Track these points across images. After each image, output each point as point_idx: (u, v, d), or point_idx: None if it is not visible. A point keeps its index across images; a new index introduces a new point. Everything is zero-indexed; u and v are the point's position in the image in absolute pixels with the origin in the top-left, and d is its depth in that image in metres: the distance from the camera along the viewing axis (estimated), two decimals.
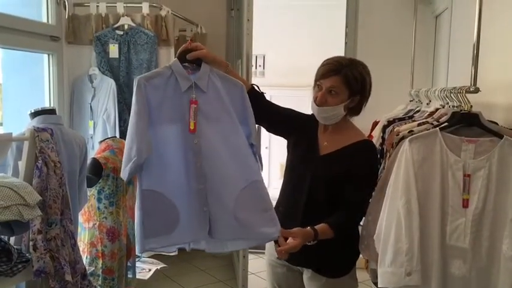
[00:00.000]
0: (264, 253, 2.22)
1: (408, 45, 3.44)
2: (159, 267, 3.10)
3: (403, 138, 1.91)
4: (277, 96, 4.44)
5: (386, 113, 2.88)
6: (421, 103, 2.76)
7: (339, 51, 4.16)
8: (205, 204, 1.68)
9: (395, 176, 1.79)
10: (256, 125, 1.84)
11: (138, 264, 3.06)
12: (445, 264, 1.73)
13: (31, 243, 1.62)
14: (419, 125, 2.05)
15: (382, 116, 2.84)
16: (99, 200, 2.59)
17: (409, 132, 1.96)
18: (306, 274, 1.99)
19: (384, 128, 2.52)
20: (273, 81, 6.01)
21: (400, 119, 2.54)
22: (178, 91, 1.67)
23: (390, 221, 1.77)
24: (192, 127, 1.67)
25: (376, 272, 1.91)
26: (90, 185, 2.55)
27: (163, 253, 1.97)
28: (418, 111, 2.62)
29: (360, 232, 2.01)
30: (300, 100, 3.60)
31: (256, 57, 6.02)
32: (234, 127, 1.73)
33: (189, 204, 1.68)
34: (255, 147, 1.79)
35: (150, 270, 3.07)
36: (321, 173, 1.90)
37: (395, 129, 2.18)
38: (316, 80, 1.92)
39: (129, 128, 1.63)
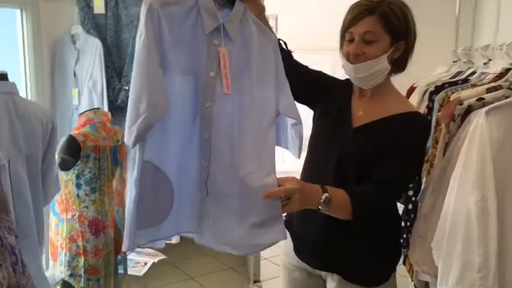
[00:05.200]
0: None
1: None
2: (156, 260, 2.66)
3: (470, 108, 1.40)
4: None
5: (424, 78, 2.45)
6: (472, 64, 2.32)
7: None
8: (202, 188, 1.34)
9: (464, 161, 1.30)
10: None
11: (130, 256, 2.64)
12: None
13: None
14: (488, 90, 1.53)
15: (419, 80, 2.41)
16: (78, 186, 2.16)
17: (478, 100, 1.45)
18: (331, 282, 1.58)
19: (431, 94, 2.02)
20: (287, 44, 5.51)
21: (451, 83, 2.06)
22: (199, 32, 1.27)
23: (456, 224, 1.29)
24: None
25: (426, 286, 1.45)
26: (66, 168, 2.11)
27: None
28: (472, 73, 2.13)
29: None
30: (319, 65, 3.09)
31: (268, 18, 5.45)
32: (261, 91, 1.36)
33: (186, 184, 1.34)
34: (294, 126, 1.41)
35: (145, 264, 2.64)
36: (350, 150, 1.47)
37: (453, 97, 1.66)
38: (344, 31, 1.49)
39: (134, 69, 1.22)
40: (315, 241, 1.55)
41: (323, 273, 1.60)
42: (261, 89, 1.35)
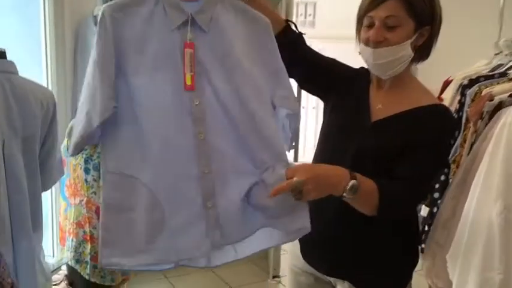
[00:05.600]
0: None
1: None
2: None
3: (501, 105, 1.23)
4: (330, 50, 3.72)
5: (462, 70, 2.21)
6: None
7: None
8: (209, 198, 1.19)
9: (488, 164, 1.16)
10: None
11: None
12: None
13: None
14: None
15: (456, 73, 2.18)
16: (86, 170, 2.11)
17: (510, 96, 1.28)
18: None
19: (464, 88, 1.83)
20: (325, 32, 5.38)
21: (487, 77, 1.86)
22: (166, 28, 1.19)
23: (476, 235, 1.14)
24: (188, 82, 1.19)
25: None
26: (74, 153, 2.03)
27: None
28: None
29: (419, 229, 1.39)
30: (358, 55, 2.93)
31: (306, 4, 5.50)
32: (252, 84, 1.24)
33: (183, 198, 1.19)
34: (289, 116, 1.29)
35: None
36: (369, 146, 1.35)
37: (484, 92, 1.49)
38: (362, 15, 1.36)
39: (84, 81, 1.20)
40: (323, 243, 1.42)
41: (332, 279, 1.47)
42: (252, 79, 1.24)
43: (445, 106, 1.41)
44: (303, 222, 1.23)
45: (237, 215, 1.21)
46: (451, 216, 1.30)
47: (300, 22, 5.53)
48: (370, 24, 1.33)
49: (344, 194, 1.21)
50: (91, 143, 1.22)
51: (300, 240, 1.50)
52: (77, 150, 1.19)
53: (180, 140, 1.19)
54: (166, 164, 1.18)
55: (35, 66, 2.61)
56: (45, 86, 2.57)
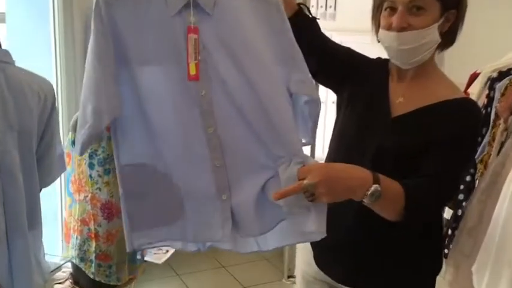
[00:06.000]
0: None
1: None
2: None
3: None
4: (352, 43, 3.56)
5: (491, 63, 2.09)
6: None
7: None
8: (224, 190, 1.18)
9: None
10: None
11: None
12: None
13: None
14: None
15: (484, 66, 2.07)
16: (91, 166, 2.03)
17: None
18: None
19: (493, 82, 1.69)
20: (346, 25, 5.12)
21: None
22: (166, 13, 1.11)
23: (506, 245, 1.00)
24: (192, 71, 1.12)
25: None
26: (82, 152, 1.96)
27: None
28: None
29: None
30: (381, 48, 2.79)
31: None
32: (263, 70, 1.15)
33: (199, 189, 1.19)
34: (308, 102, 1.19)
35: (167, 251, 2.49)
36: (389, 144, 1.22)
37: None
38: (381, 1, 1.24)
39: (84, 75, 1.13)
40: (339, 249, 1.31)
41: None
42: (263, 65, 1.14)
43: (472, 100, 1.29)
44: (318, 226, 1.13)
45: (253, 209, 1.17)
46: (478, 223, 1.17)
47: (320, 14, 5.35)
48: (391, 9, 1.21)
49: (364, 200, 1.09)
50: (98, 139, 1.16)
51: (312, 245, 1.40)
52: (85, 149, 1.14)
53: (190, 133, 1.16)
54: (180, 156, 1.16)
55: (45, 58, 2.55)
56: (55, 78, 2.52)
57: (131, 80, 1.13)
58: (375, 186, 1.08)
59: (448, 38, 1.24)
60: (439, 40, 1.22)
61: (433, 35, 1.20)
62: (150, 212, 1.19)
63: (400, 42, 1.21)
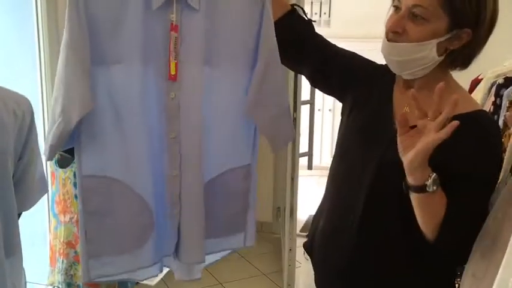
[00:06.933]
0: None
1: None
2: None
3: None
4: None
5: (493, 68, 2.01)
6: None
7: None
8: (177, 203, 1.17)
9: None
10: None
11: None
12: None
13: None
14: None
15: (486, 71, 1.99)
16: (76, 185, 1.89)
17: None
18: None
19: (499, 88, 1.61)
20: (340, 32, 5.11)
21: None
22: (147, 8, 1.07)
23: None
24: (173, 71, 1.10)
25: None
26: (64, 165, 1.90)
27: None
28: None
29: None
30: (376, 56, 2.69)
31: (320, 2, 5.28)
32: (239, 74, 1.16)
33: (159, 201, 1.17)
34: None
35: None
36: (391, 158, 1.08)
37: None
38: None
39: (57, 71, 1.09)
40: (338, 275, 1.22)
41: None
42: (237, 67, 1.15)
43: (486, 113, 1.19)
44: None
45: (198, 232, 1.18)
46: (491, 245, 1.07)
47: (315, 21, 5.33)
48: (396, 8, 1.11)
49: (427, 183, 1.01)
50: (69, 146, 1.12)
51: (314, 270, 1.32)
52: (54, 152, 1.12)
53: (155, 137, 1.14)
54: (145, 164, 1.14)
55: (29, 68, 2.46)
56: (40, 88, 2.43)
57: (104, 77, 1.09)
58: (435, 175, 1.01)
59: (458, 58, 1.11)
60: (437, 58, 1.08)
61: (429, 52, 1.07)
62: (111, 235, 1.14)
63: (389, 52, 1.12)
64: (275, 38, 1.17)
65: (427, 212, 1.05)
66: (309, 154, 3.12)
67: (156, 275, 1.25)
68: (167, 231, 1.19)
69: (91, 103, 1.06)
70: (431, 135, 0.96)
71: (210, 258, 1.28)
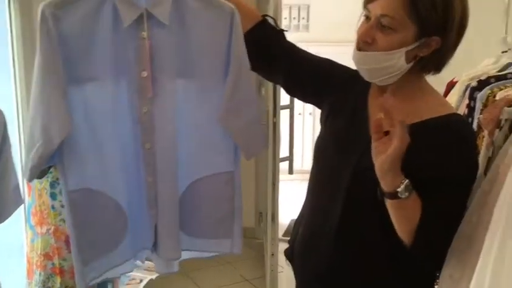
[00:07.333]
0: None
1: None
2: (154, 277, 2.38)
3: None
4: (325, 54, 3.49)
5: (468, 70, 2.03)
6: None
7: None
8: (153, 206, 1.22)
9: None
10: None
11: None
12: None
13: None
14: None
15: (461, 74, 2.01)
16: (52, 196, 1.94)
17: None
18: None
19: (473, 91, 1.63)
20: (319, 36, 5.15)
21: (499, 78, 1.66)
22: (119, 26, 1.10)
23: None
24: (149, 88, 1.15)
25: None
26: (40, 175, 1.82)
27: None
28: None
29: None
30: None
31: (299, 7, 5.23)
32: (212, 85, 1.20)
33: (136, 204, 1.24)
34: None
35: (141, 280, 2.37)
36: (367, 164, 1.07)
37: (499, 95, 1.28)
38: (364, 5, 1.14)
39: (32, 92, 1.10)
40: (317, 279, 1.23)
41: None
42: (210, 79, 1.18)
43: (459, 116, 1.21)
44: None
45: (173, 232, 1.24)
46: (467, 248, 1.08)
47: (294, 26, 5.36)
48: (366, 18, 1.12)
49: (398, 190, 1.01)
50: (48, 164, 1.13)
51: (295, 274, 1.32)
52: (35, 174, 1.12)
53: (131, 148, 1.19)
54: (120, 173, 1.19)
55: (2, 77, 2.42)
56: (15, 99, 2.38)
57: (79, 95, 1.11)
58: (408, 181, 1.02)
59: (429, 64, 1.12)
60: (406, 66, 1.09)
61: (397, 60, 1.08)
62: (96, 241, 1.19)
63: (358, 61, 1.14)
64: (245, 49, 1.19)
65: (401, 218, 1.06)
66: (290, 159, 3.12)
67: (131, 271, 1.33)
68: (145, 230, 1.24)
69: (70, 125, 1.08)
70: (394, 142, 0.97)
71: (194, 255, 1.35)
